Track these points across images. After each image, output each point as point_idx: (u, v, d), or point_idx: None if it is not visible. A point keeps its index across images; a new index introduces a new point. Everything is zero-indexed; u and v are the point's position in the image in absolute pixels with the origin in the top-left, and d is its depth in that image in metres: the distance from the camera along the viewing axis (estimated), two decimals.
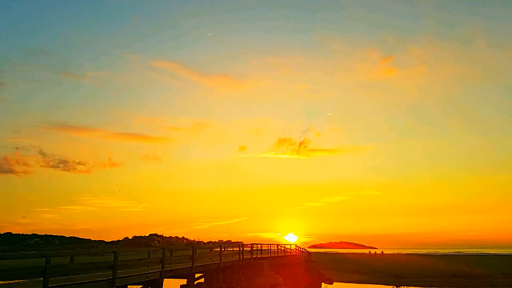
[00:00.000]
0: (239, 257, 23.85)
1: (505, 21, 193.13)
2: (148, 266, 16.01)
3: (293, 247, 41.68)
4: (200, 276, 20.71)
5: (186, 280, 18.22)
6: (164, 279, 15.53)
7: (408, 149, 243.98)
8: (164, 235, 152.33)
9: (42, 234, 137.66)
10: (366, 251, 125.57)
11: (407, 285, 39.18)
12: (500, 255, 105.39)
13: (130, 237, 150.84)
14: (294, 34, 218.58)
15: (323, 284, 40.80)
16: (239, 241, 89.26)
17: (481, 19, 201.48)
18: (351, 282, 42.40)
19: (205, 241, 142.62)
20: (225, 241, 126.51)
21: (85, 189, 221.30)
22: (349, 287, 39.83)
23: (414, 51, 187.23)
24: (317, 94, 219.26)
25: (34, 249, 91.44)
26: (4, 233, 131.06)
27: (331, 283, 41.41)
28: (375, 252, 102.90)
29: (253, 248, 26.97)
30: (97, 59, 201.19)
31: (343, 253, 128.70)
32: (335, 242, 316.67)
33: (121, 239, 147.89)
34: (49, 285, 10.27)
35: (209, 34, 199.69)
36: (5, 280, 15.60)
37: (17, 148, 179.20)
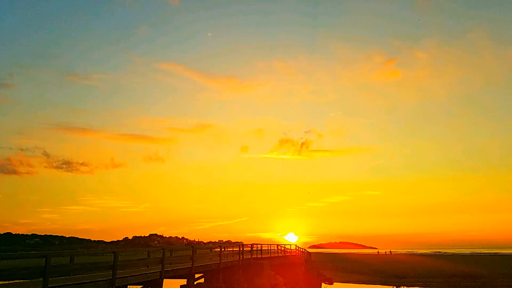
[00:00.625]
0: (239, 257, 23.82)
1: (509, 25, 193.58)
2: (148, 266, 15.99)
3: (293, 247, 41.66)
4: (200, 276, 20.68)
5: (186, 280, 18.20)
6: (164, 279, 15.51)
7: (409, 149, 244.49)
8: (164, 235, 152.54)
9: (41, 234, 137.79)
10: (367, 251, 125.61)
11: (407, 285, 39.20)
12: (500, 255, 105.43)
13: (130, 237, 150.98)
14: (299, 37, 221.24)
15: (323, 284, 40.80)
16: (239, 241, 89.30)
17: (485, 23, 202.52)
18: (351, 282, 42.41)
19: (205, 241, 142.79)
20: (225, 241, 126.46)
21: (87, 190, 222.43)
22: (349, 287, 39.84)
23: (418, 54, 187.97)
24: (320, 95, 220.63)
25: (34, 249, 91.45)
26: (4, 233, 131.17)
27: (331, 283, 41.42)
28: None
29: (253, 248, 26.94)
30: (104, 62, 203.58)
31: (343, 253, 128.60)
32: (335, 242, 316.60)
33: (121, 239, 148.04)
34: (49, 285, 10.25)
35: (209, 34, 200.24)
36: (5, 280, 15.57)
37: (21, 150, 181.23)
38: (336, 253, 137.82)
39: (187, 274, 17.91)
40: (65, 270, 12.19)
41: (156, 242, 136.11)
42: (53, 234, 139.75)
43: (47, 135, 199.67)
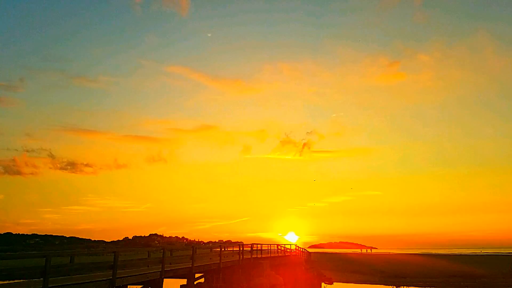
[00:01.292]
0: (239, 257, 23.84)
1: None
2: (148, 266, 16.01)
3: (293, 247, 41.68)
4: (200, 276, 20.70)
5: (186, 280, 18.21)
6: (164, 279, 15.52)
7: (410, 150, 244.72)
8: (164, 235, 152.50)
9: (42, 234, 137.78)
10: (364, 250, 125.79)
11: (407, 285, 39.22)
12: (500, 255, 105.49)
13: (130, 237, 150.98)
14: (305, 39, 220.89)
15: (323, 284, 40.81)
16: (239, 241, 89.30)
17: (489, 26, 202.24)
18: (351, 282, 42.44)
19: (205, 241, 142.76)
20: (225, 241, 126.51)
21: (89, 190, 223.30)
22: (349, 287, 39.86)
23: (421, 57, 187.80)
24: (324, 97, 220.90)
25: (34, 249, 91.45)
26: (4, 233, 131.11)
27: (331, 283, 41.42)
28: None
29: (253, 248, 26.96)
30: (111, 65, 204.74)
31: (343, 253, 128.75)
32: (334, 242, 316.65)
33: (121, 239, 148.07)
34: (49, 285, 10.25)
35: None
36: (5, 280, 15.58)
37: (27, 151, 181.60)
38: (336, 252, 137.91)
39: (187, 274, 17.92)
40: (65, 270, 12.19)
41: (156, 242, 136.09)
42: (54, 234, 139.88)
43: (53, 136, 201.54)
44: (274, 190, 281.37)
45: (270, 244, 34.18)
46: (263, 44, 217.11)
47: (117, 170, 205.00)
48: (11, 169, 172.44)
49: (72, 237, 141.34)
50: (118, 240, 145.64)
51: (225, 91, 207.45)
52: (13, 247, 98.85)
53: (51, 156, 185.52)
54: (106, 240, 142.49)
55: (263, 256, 28.86)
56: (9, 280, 14.85)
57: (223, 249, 22.65)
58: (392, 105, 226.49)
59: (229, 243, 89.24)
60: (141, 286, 14.88)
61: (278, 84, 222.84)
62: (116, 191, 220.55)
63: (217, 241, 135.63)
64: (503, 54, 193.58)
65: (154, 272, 15.01)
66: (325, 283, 41.20)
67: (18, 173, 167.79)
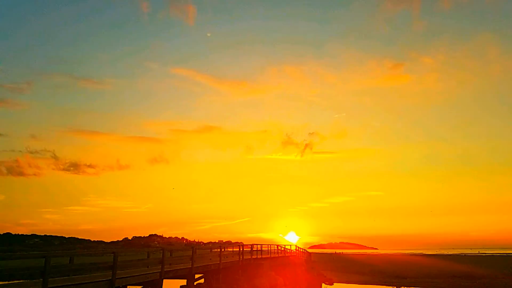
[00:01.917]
0: (239, 258, 23.81)
1: None
2: (148, 267, 15.98)
3: (293, 247, 41.64)
4: (200, 276, 20.67)
5: (186, 280, 18.19)
6: (164, 280, 15.50)
7: (411, 151, 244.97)
8: (164, 236, 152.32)
9: (41, 234, 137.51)
10: (364, 251, 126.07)
11: (407, 286, 39.19)
12: (500, 255, 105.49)
13: (130, 238, 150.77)
14: (309, 40, 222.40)
15: (323, 284, 40.75)
16: (239, 241, 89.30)
17: (494, 30, 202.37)
18: (351, 282, 42.37)
19: (205, 242, 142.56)
20: (225, 242, 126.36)
21: (91, 190, 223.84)
22: None
23: (425, 59, 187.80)
24: (327, 98, 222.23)
25: (33, 250, 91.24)
26: (3, 234, 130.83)
27: (331, 283, 41.36)
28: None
29: (253, 249, 26.93)
30: (117, 67, 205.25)
31: (343, 254, 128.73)
32: (335, 243, 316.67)
33: (120, 239, 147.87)
34: (49, 286, 10.23)
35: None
36: (5, 280, 15.55)
37: (30, 152, 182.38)
38: (336, 253, 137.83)
39: (187, 275, 17.90)
40: (65, 270, 12.18)
41: (156, 243, 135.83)
42: (53, 235, 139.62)
43: (58, 138, 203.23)
44: (275, 190, 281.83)
45: (270, 245, 34.15)
46: (268, 46, 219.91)
47: (119, 171, 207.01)
48: (14, 170, 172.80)
49: (71, 237, 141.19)
50: (118, 241, 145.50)
51: (229, 93, 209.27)
52: (12, 247, 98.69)
53: (55, 157, 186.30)
54: (106, 241, 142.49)
55: (263, 256, 28.83)
56: (9, 281, 14.80)
57: (223, 250, 22.62)
58: (395, 107, 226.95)
59: (229, 243, 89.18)
60: (141, 286, 14.86)
61: (282, 85, 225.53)
62: (117, 191, 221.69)
63: (217, 241, 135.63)
64: (507, 57, 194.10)
65: (153, 272, 14.98)
66: (325, 284, 41.15)
67: (21, 174, 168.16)
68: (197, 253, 18.58)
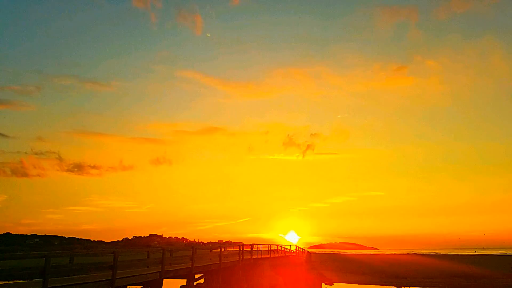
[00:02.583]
0: (239, 258, 23.80)
1: None
2: (148, 267, 15.97)
3: (293, 247, 41.64)
4: (200, 276, 20.66)
5: (186, 280, 18.19)
6: (164, 280, 15.50)
7: (413, 152, 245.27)
8: (164, 236, 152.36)
9: (41, 234, 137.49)
10: (364, 251, 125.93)
11: (407, 286, 39.19)
12: (500, 255, 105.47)
13: (130, 238, 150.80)
14: (314, 43, 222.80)
15: (323, 284, 40.73)
16: (240, 241, 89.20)
17: (498, 32, 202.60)
18: (351, 282, 42.36)
19: (205, 242, 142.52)
20: (225, 242, 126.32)
21: (93, 191, 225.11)
22: None
23: (429, 62, 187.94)
24: (330, 99, 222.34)
25: (33, 250, 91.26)
26: (3, 234, 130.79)
27: (331, 283, 41.35)
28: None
29: (253, 249, 26.93)
30: (124, 70, 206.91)
31: (343, 254, 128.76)
32: (335, 243, 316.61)
33: (120, 239, 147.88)
34: (49, 286, 10.24)
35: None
36: (5, 280, 15.56)
37: (35, 153, 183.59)
38: (336, 253, 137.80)
39: (187, 275, 17.90)
40: (65, 270, 12.17)
41: (156, 243, 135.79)
42: (53, 235, 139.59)
43: (63, 139, 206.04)
44: (276, 190, 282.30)
45: (270, 245, 34.17)
46: (273, 48, 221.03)
47: (122, 171, 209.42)
48: (18, 171, 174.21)
49: (71, 237, 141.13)
50: (118, 241, 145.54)
51: (234, 95, 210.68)
52: (12, 247, 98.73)
53: (59, 158, 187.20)
54: (106, 241, 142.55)
55: (263, 256, 28.83)
56: (9, 280, 14.81)
57: (223, 250, 22.62)
58: (398, 109, 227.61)
59: (229, 243, 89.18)
60: (141, 286, 14.86)
61: (287, 88, 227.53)
62: (119, 192, 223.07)
63: (217, 241, 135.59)
64: (511, 59, 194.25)
65: (153, 272, 14.98)
66: (325, 284, 41.14)
67: (25, 175, 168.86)
68: (197, 253, 18.58)
